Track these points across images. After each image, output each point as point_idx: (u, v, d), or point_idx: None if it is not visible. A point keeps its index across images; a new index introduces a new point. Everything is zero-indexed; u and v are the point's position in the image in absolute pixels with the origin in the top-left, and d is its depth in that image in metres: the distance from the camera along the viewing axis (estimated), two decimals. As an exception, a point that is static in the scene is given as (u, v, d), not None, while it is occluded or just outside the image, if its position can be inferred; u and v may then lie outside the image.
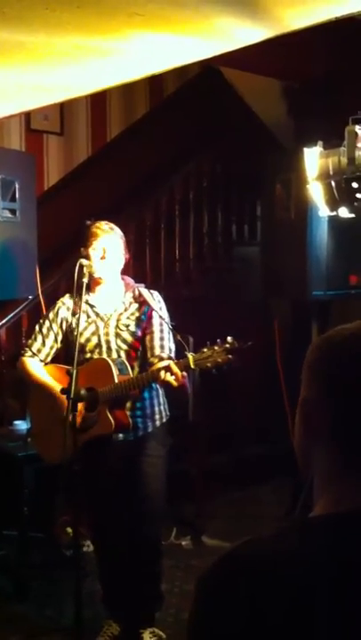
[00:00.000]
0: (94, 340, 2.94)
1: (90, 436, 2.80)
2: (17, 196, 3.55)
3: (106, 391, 2.77)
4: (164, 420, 3.02)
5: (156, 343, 2.88)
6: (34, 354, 3.04)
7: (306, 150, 3.23)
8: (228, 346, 2.58)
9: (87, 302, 2.96)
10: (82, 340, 2.89)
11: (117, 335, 2.93)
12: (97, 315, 2.97)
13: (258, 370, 4.71)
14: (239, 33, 2.60)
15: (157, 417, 2.98)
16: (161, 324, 2.92)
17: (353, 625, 0.82)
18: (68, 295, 3.07)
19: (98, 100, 5.78)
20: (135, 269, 4.51)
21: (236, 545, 0.90)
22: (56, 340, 3.03)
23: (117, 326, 2.94)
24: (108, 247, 2.92)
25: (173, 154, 5.70)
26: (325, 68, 5.00)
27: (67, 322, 3.02)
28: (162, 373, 2.63)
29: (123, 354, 2.91)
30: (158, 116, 6.13)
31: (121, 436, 2.89)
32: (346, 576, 0.84)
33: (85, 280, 2.83)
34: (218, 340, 2.60)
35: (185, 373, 2.66)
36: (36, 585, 3.55)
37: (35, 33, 2.54)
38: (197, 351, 2.63)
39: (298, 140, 4.90)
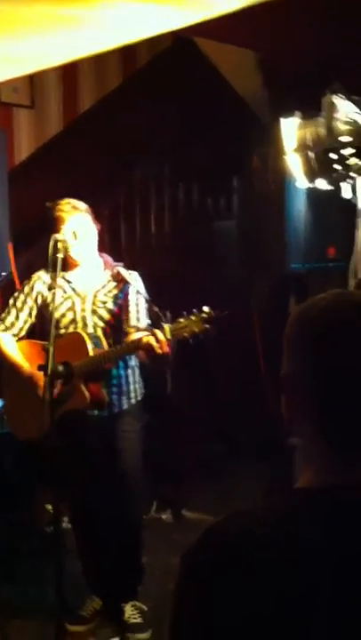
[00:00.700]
0: (69, 316, 2.92)
1: (64, 409, 2.77)
2: (-13, 171, 3.48)
3: (81, 365, 2.75)
4: (140, 397, 3.02)
5: (133, 315, 2.88)
6: (7, 327, 3.00)
7: (283, 121, 3.19)
8: (204, 315, 2.60)
9: (64, 277, 2.92)
10: (57, 315, 2.86)
11: (94, 312, 2.91)
12: (74, 290, 2.94)
13: (237, 344, 4.70)
14: (213, 0, 2.55)
15: (133, 395, 2.98)
16: (137, 299, 2.91)
17: (339, 596, 0.83)
18: (43, 270, 3.03)
19: (69, 72, 5.66)
20: (110, 244, 4.46)
21: (219, 520, 0.91)
22: (30, 315, 3.00)
23: (94, 302, 2.92)
24: (77, 229, 2.89)
25: (147, 126, 5.62)
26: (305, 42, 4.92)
27: (42, 296, 2.99)
28: (146, 338, 2.62)
29: (99, 330, 2.89)
30: (131, 88, 6.03)
31: (96, 412, 2.88)
32: (330, 549, 0.85)
33: (60, 255, 2.79)
34: (194, 310, 2.61)
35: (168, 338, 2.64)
36: (17, 565, 3.54)
37: (0, 2, 2.46)
38: (174, 322, 2.64)
39: (274, 111, 4.84)
